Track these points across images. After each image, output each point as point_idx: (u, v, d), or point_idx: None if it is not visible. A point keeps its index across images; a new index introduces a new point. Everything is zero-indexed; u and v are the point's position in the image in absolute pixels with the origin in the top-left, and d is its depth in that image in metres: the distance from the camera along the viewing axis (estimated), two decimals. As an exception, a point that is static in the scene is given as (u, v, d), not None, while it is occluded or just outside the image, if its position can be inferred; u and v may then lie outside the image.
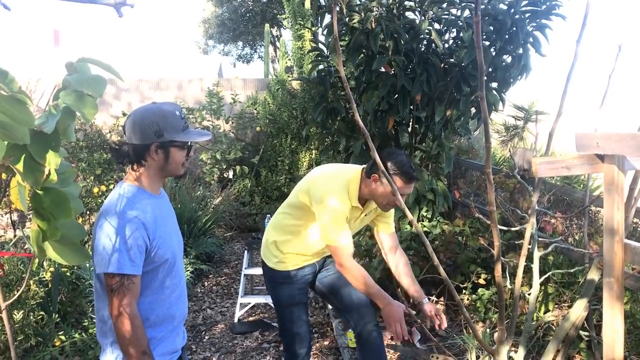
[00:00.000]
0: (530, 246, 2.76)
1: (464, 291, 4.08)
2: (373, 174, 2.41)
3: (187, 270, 5.26)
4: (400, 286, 2.75)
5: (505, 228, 2.87)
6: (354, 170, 2.56)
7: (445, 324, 2.50)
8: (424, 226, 4.12)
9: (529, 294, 2.75)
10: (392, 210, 2.70)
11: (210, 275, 5.89)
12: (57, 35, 20.29)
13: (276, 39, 13.36)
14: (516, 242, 3.78)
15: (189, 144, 1.92)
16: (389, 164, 2.37)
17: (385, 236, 2.78)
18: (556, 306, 3.36)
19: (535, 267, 2.65)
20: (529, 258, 2.73)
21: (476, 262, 4.18)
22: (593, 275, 2.32)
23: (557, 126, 2.36)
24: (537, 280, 2.62)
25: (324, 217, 2.43)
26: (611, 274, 1.27)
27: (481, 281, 4.03)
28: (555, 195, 6.24)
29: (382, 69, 3.80)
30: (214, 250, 6.14)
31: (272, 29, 12.97)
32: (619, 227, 1.20)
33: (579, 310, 2.34)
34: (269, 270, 2.74)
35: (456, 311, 4.09)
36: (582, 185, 6.79)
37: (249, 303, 4.75)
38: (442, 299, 4.21)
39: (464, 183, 5.33)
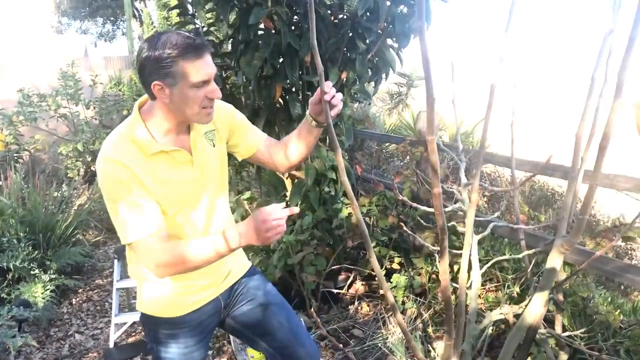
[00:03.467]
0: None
1: (376, 279, 3.56)
2: (154, 84, 1.50)
3: (46, 289, 4.32)
4: (301, 137, 1.86)
5: (428, 209, 2.35)
6: (130, 117, 1.65)
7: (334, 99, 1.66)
8: (327, 210, 3.53)
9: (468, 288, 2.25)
10: (243, 118, 1.89)
11: (80, 290, 4.94)
12: None
13: (140, 11, 12.09)
14: (426, 221, 3.32)
15: None
16: (156, 55, 1.46)
17: (264, 148, 1.92)
18: (492, 289, 2.93)
19: (474, 255, 2.14)
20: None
21: (387, 244, 3.68)
22: (554, 261, 1.84)
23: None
24: (477, 271, 2.11)
25: (110, 208, 1.55)
26: None
27: (395, 266, 3.54)
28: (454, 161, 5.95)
29: (262, 26, 3.10)
30: (82, 260, 5.17)
31: (135, 1, 11.69)
32: None
33: (538, 307, 1.85)
34: (144, 317, 1.82)
35: (374, 304, 3.58)
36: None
37: (126, 322, 3.94)
38: (353, 289, 3.67)
39: (362, 156, 4.82)
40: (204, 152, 1.72)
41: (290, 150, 1.89)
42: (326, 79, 2.03)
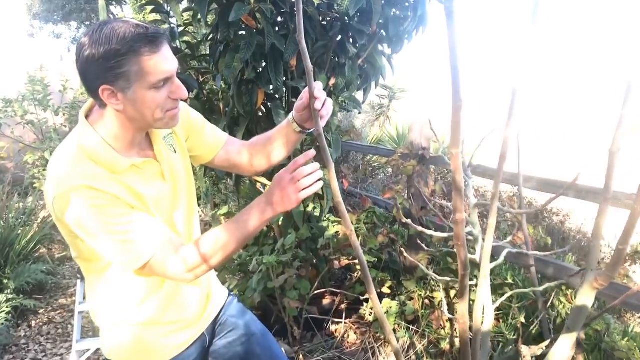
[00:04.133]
0: (475, 256, 1.98)
1: (365, 305, 3.27)
2: (102, 89, 1.19)
3: (1, 311, 3.94)
4: (278, 141, 1.60)
5: (435, 233, 2.06)
6: (78, 130, 1.30)
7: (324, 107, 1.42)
8: (312, 228, 3.23)
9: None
10: (200, 116, 1.60)
11: (40, 311, 4.54)
12: None
13: (115, 16, 11.68)
14: (419, 241, 3.04)
15: None
16: (101, 52, 1.14)
17: (227, 149, 1.65)
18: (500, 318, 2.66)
19: (487, 286, 1.86)
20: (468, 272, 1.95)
21: (377, 266, 3.40)
22: (585, 298, 1.57)
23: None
24: (490, 306, 1.83)
25: (99, 243, 1.23)
26: None
27: (385, 289, 3.25)
28: (444, 177, 5.70)
29: (244, 24, 2.80)
30: (44, 278, 4.77)
31: (110, 5, 11.31)
32: None
33: (565, 350, 1.58)
34: None
35: (362, 331, 3.27)
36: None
37: (89, 349, 3.57)
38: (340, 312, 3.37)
39: (347, 169, 4.55)
40: (170, 161, 1.43)
41: (263, 154, 1.62)
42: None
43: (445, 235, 1.80)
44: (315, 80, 1.39)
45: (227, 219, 3.72)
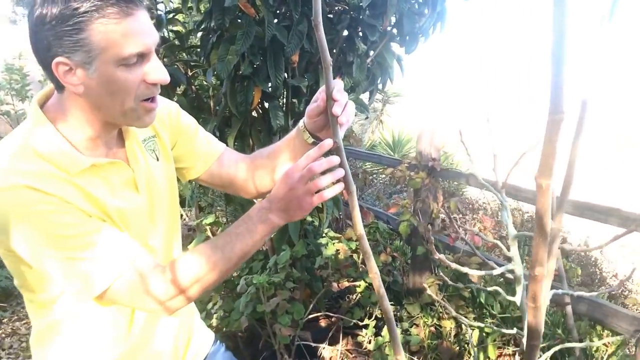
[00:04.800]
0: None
1: (364, 331, 2.94)
2: (56, 62, 0.87)
3: (-40, 321, 3.56)
4: (285, 155, 1.23)
5: (459, 268, 1.73)
6: (27, 121, 0.97)
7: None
8: (308, 244, 2.89)
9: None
10: (192, 120, 1.27)
11: (4, 321, 4.15)
12: None
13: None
14: (424, 260, 2.70)
15: None
16: (55, 13, 0.83)
17: (223, 164, 1.28)
18: (509, 354, 2.34)
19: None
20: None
21: (378, 288, 3.07)
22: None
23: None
24: None
25: (43, 262, 0.91)
26: None
27: (387, 315, 2.92)
28: (449, 191, 5.39)
29: (241, 12, 2.45)
30: (10, 285, 4.36)
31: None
32: None
33: None
34: None
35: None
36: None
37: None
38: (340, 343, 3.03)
39: (345, 177, 4.23)
40: (148, 169, 1.09)
41: (266, 169, 1.27)
42: (317, 86, 1.39)
43: (482, 273, 1.47)
44: (320, 79, 1.06)
45: (213, 228, 3.37)
